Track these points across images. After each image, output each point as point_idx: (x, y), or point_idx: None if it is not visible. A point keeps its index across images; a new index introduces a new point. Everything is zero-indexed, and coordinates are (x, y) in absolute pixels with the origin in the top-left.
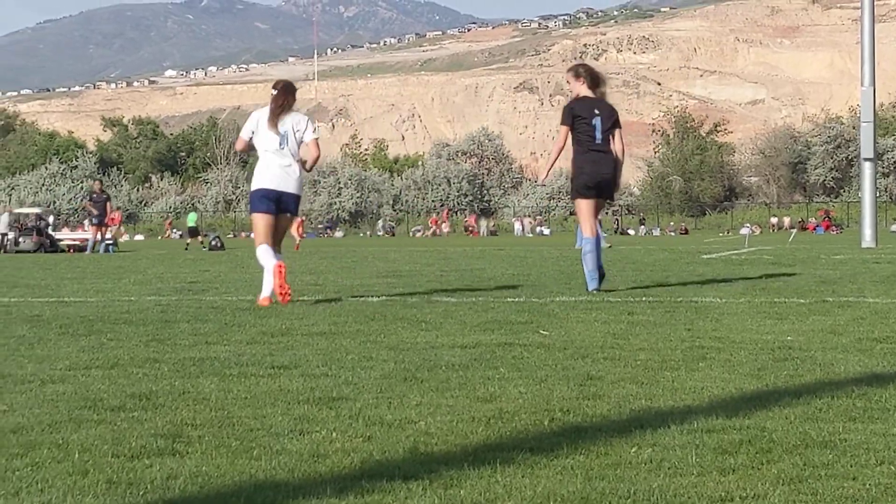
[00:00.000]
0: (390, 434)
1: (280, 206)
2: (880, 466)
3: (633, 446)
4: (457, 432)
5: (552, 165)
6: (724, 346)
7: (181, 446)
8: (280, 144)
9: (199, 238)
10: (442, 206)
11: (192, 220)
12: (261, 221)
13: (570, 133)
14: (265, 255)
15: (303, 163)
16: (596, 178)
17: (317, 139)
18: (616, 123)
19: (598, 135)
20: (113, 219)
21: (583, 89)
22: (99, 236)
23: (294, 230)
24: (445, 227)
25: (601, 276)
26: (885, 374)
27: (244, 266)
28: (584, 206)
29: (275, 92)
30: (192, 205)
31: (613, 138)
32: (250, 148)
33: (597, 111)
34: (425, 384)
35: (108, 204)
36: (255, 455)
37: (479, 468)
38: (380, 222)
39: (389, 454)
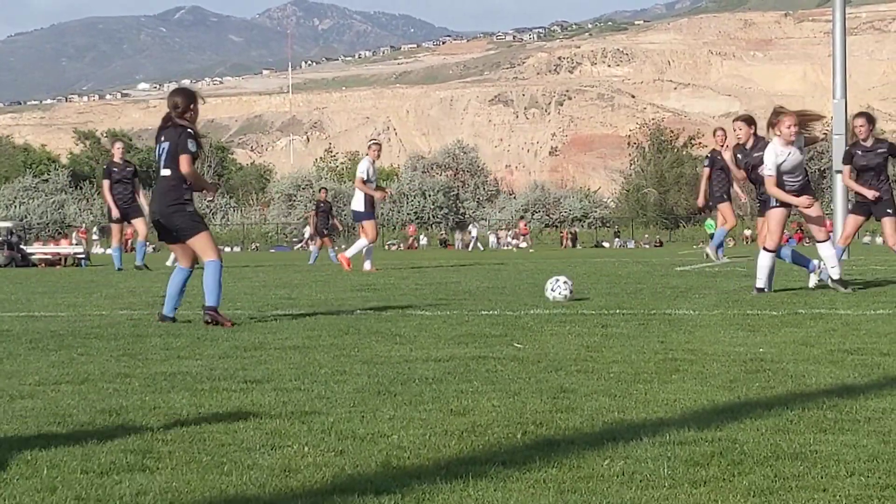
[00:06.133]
0: (362, 448)
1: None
2: (850, 478)
3: (605, 459)
4: (429, 446)
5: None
6: (696, 358)
7: (151, 462)
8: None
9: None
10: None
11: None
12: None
13: None
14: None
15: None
16: None
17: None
18: None
19: None
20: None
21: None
22: (318, 247)
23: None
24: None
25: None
26: (855, 386)
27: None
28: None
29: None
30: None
31: None
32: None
33: None
34: (398, 398)
35: (330, 214)
36: (225, 470)
37: (452, 482)
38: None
39: (361, 468)
